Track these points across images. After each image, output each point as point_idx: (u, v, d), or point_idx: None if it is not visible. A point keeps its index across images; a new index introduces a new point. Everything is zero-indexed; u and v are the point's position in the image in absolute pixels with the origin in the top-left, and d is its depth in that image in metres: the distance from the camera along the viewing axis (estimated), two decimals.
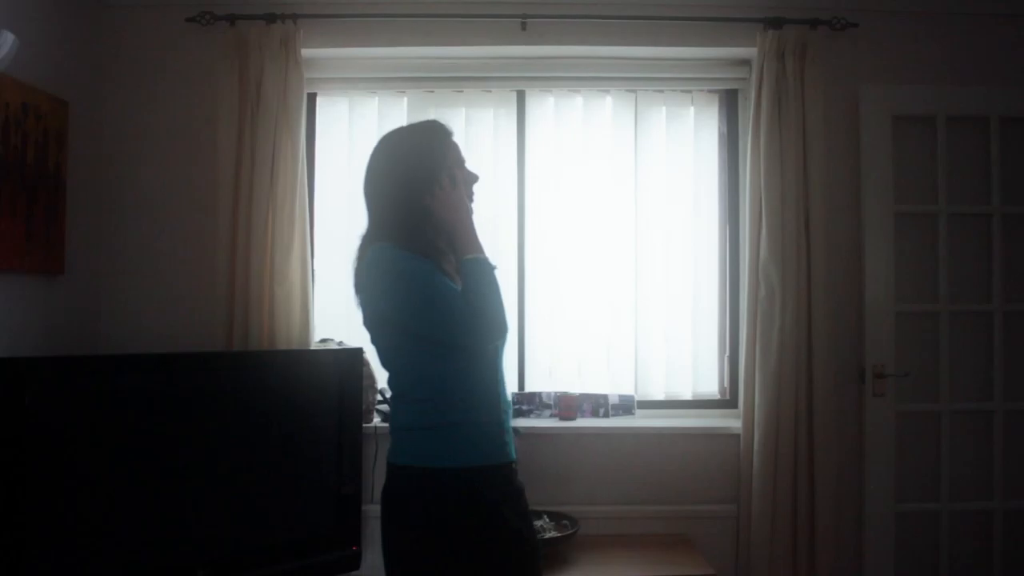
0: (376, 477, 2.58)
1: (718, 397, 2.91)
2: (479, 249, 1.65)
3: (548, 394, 2.82)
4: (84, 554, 2.06)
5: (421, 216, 1.68)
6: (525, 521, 1.69)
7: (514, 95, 2.90)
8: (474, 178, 1.79)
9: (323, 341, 2.68)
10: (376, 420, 2.64)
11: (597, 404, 2.81)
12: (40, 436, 2.03)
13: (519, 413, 2.79)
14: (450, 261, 1.70)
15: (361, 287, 1.68)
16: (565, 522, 2.52)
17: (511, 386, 2.80)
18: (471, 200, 1.77)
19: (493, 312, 1.60)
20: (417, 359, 1.64)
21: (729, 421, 2.78)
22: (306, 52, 2.65)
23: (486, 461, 1.64)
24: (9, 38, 2.04)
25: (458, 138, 2.72)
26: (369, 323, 1.71)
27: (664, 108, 2.90)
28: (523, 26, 2.69)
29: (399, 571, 1.65)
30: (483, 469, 1.63)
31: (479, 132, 2.87)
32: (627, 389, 2.85)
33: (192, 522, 2.20)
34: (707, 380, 2.91)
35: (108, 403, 2.15)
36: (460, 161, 1.78)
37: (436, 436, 1.62)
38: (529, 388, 2.86)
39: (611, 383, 2.85)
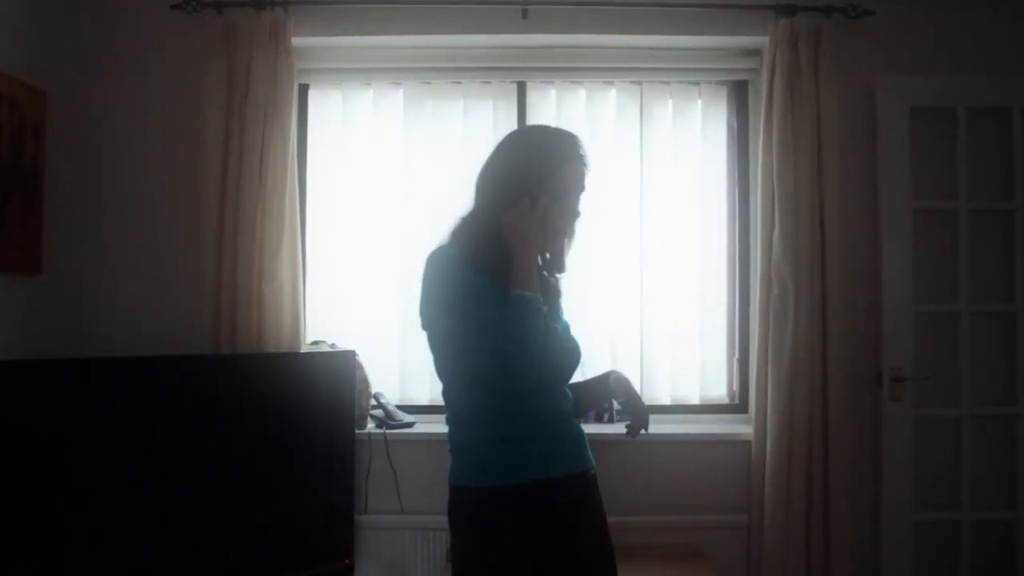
0: (370, 486, 2.49)
1: (727, 401, 2.81)
2: (529, 286, 1.55)
3: None
4: (55, 569, 1.97)
5: (497, 228, 1.60)
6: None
7: (514, 87, 2.81)
8: (575, 213, 1.69)
9: (315, 343, 2.60)
10: (370, 426, 2.55)
11: (601, 408, 2.69)
12: (10, 443, 1.94)
13: None
14: (509, 279, 1.59)
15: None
16: None
17: None
18: (566, 235, 1.71)
19: (524, 362, 1.51)
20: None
21: (739, 427, 2.69)
22: (297, 41, 2.56)
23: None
24: None
25: (455, 132, 2.61)
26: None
27: (670, 101, 2.81)
28: (524, 14, 2.59)
29: None
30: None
31: (478, 126, 2.76)
32: None
33: (174, 534, 2.12)
34: (715, 384, 2.81)
35: (86, 409, 2.09)
36: (566, 189, 1.66)
37: (476, 453, 1.61)
38: None
39: None
